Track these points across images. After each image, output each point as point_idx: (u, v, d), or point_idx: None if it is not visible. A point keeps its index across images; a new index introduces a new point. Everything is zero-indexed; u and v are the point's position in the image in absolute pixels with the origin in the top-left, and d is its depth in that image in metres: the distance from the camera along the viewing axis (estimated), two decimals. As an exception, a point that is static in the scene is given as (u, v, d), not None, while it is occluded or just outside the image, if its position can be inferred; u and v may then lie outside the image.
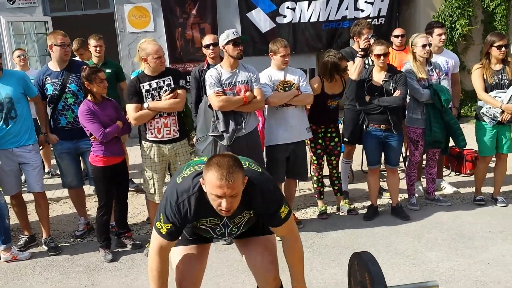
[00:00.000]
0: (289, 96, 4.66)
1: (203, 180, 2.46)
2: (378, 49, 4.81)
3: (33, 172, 4.74)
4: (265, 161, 4.88)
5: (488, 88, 5.07)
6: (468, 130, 5.20)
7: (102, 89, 4.43)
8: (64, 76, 4.80)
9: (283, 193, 5.05)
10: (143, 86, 4.42)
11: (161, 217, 2.60)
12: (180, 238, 2.78)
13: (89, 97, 4.43)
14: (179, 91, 4.46)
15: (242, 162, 2.54)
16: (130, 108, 4.40)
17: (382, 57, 4.81)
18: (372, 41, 5.06)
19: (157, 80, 4.44)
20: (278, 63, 4.72)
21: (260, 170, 2.67)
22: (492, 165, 5.71)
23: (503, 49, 4.99)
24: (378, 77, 4.89)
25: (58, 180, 6.81)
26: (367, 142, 5.05)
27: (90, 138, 4.43)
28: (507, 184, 5.69)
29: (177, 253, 2.87)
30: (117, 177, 4.56)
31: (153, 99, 4.42)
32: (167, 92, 4.41)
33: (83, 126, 4.42)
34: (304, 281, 2.89)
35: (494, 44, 5.00)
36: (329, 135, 5.04)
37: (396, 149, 5.01)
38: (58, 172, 7.08)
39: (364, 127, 4.99)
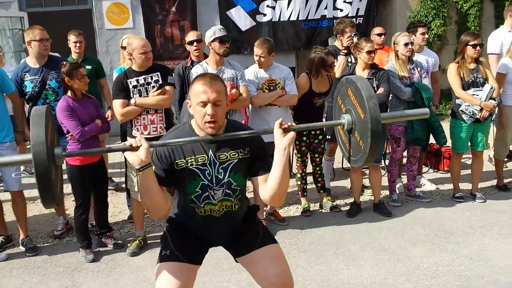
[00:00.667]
0: (273, 97, 4.65)
1: (189, 102, 2.54)
2: (369, 46, 4.82)
3: (10, 171, 4.60)
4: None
5: (465, 86, 5.15)
6: (444, 127, 5.27)
7: (83, 85, 4.32)
8: (44, 73, 4.69)
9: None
10: (130, 81, 4.34)
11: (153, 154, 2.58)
12: (168, 253, 2.66)
13: (69, 93, 4.31)
14: (167, 87, 4.39)
15: None
16: (117, 103, 4.32)
17: (372, 54, 4.84)
18: (355, 39, 5.08)
19: (144, 76, 4.36)
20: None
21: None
22: (468, 162, 5.83)
23: (478, 48, 5.08)
24: (362, 74, 4.91)
25: (34, 179, 6.69)
26: None
27: (66, 135, 4.31)
28: (483, 180, 5.79)
29: (162, 269, 2.64)
30: (95, 176, 4.46)
31: (140, 95, 4.35)
32: (155, 88, 4.35)
33: (60, 123, 4.28)
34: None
35: (469, 43, 5.09)
36: (313, 132, 5.04)
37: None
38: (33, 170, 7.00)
39: None
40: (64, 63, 4.36)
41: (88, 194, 4.49)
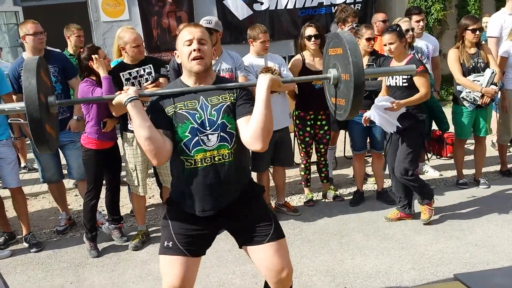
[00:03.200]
0: None
1: (176, 52, 2.62)
2: (368, 33, 4.76)
3: (7, 167, 4.56)
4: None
5: (465, 72, 5.10)
6: (446, 113, 5.23)
7: (108, 66, 4.31)
8: None
9: (273, 181, 5.02)
10: (123, 75, 4.32)
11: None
12: (171, 245, 2.60)
13: (92, 77, 4.27)
14: (161, 79, 4.36)
15: None
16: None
17: (372, 41, 4.78)
18: (355, 30, 5.01)
19: (137, 69, 4.34)
20: (257, 49, 4.65)
21: None
22: (471, 147, 5.80)
23: (477, 32, 5.02)
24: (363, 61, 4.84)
25: (35, 175, 6.66)
26: (352, 128, 5.00)
27: (102, 129, 4.29)
28: (487, 166, 5.76)
29: (167, 263, 2.61)
30: (109, 162, 4.47)
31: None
32: (149, 81, 4.31)
33: (84, 109, 4.31)
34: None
35: (468, 28, 5.03)
36: (318, 123, 4.97)
37: (381, 133, 4.99)
38: (35, 166, 6.96)
39: None
40: (82, 49, 4.35)
41: (100, 180, 4.47)
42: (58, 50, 5.61)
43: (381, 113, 4.24)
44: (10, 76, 4.71)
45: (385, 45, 4.39)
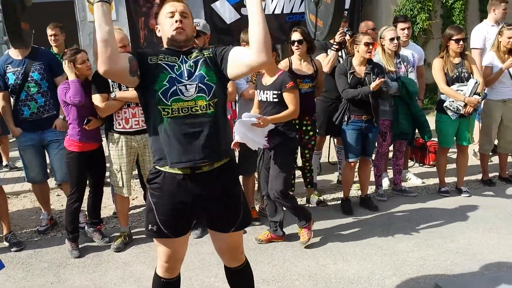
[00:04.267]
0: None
1: (157, 27, 2.67)
2: (366, 38, 4.73)
3: None
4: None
5: (449, 81, 5.17)
6: (429, 122, 5.31)
7: (86, 70, 4.29)
8: (27, 64, 4.59)
9: (256, 186, 5.03)
10: None
11: None
12: (155, 229, 2.68)
13: None
14: None
15: None
16: (97, 98, 4.27)
17: (370, 46, 4.76)
18: (347, 36, 5.04)
19: None
20: None
21: None
22: (454, 156, 5.87)
23: (461, 42, 5.09)
24: (359, 69, 4.84)
25: (17, 174, 6.60)
26: (348, 134, 4.91)
27: (84, 126, 4.24)
28: (468, 174, 5.84)
29: (156, 242, 2.79)
30: (93, 164, 4.43)
31: (120, 89, 4.30)
32: (136, 82, 4.30)
33: (62, 106, 4.30)
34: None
35: (453, 38, 5.10)
36: (304, 128, 4.98)
37: (373, 140, 5.01)
38: (16, 165, 6.89)
39: (346, 119, 4.88)
40: (66, 50, 4.34)
41: (83, 183, 4.44)
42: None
43: (245, 130, 3.89)
44: None
45: None
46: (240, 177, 4.54)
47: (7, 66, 4.61)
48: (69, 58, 4.21)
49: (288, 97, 4.15)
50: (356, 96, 4.73)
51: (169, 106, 2.51)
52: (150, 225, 2.70)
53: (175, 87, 2.52)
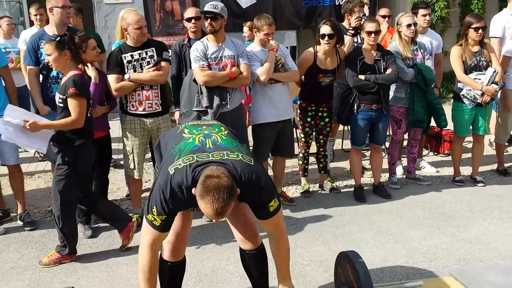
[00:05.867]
0: (272, 61, 4.48)
1: (195, 191, 2.41)
2: (369, 26, 4.73)
3: (6, 144, 4.50)
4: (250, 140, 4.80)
5: (467, 70, 5.09)
6: (445, 110, 5.24)
7: (96, 56, 4.27)
8: None
9: (272, 171, 5.01)
10: (124, 57, 4.30)
11: (154, 210, 2.55)
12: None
13: (81, 68, 4.19)
14: (162, 63, 4.36)
15: (235, 154, 2.56)
16: (111, 78, 4.28)
17: (373, 35, 4.74)
18: (363, 20, 4.99)
19: (139, 51, 4.32)
20: (261, 41, 4.61)
21: (252, 163, 2.61)
22: (469, 145, 5.81)
23: (480, 31, 5.01)
24: (370, 56, 4.82)
25: (31, 153, 6.64)
26: (357, 123, 4.92)
27: None
28: (484, 164, 5.77)
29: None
30: (100, 152, 4.42)
31: (134, 71, 4.30)
32: (151, 64, 4.29)
33: None
34: (290, 275, 2.92)
35: (472, 26, 5.03)
36: (320, 114, 4.96)
37: (384, 128, 4.99)
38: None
39: (355, 107, 4.88)
40: (74, 36, 4.25)
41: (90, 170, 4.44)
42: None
43: (14, 130, 3.71)
44: (28, 47, 4.63)
45: None
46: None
47: (41, 42, 4.57)
48: (79, 46, 4.11)
49: (70, 104, 3.76)
50: (362, 86, 4.73)
51: None
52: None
53: None
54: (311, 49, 4.87)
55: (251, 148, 4.76)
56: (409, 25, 4.97)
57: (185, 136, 2.79)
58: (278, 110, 4.64)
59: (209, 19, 4.35)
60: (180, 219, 2.84)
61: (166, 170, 2.57)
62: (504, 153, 5.81)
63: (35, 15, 5.84)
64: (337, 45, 4.81)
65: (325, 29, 4.67)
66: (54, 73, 4.57)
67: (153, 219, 2.56)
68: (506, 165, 5.76)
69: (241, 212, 2.92)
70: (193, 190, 2.43)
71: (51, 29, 4.63)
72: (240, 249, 3.03)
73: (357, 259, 2.85)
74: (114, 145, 6.35)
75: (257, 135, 4.72)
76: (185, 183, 2.48)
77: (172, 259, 2.88)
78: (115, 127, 6.88)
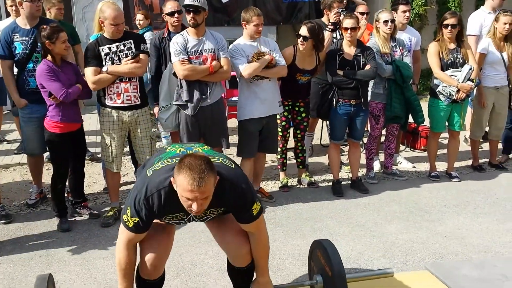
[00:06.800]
0: (262, 65, 4.48)
1: (174, 180, 2.41)
2: (346, 22, 4.78)
3: None
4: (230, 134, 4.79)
5: (444, 66, 5.17)
6: (422, 107, 5.32)
7: (64, 50, 4.20)
8: (35, 34, 4.50)
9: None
10: (102, 49, 4.25)
11: (128, 211, 2.54)
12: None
13: (48, 58, 4.18)
14: (141, 55, 4.32)
15: (215, 158, 2.59)
16: (89, 71, 4.23)
17: (349, 31, 4.77)
18: (342, 16, 5.01)
19: (117, 44, 4.28)
20: (250, 33, 4.57)
21: (233, 166, 2.65)
22: (445, 142, 5.89)
23: (450, 28, 5.08)
24: (349, 51, 4.86)
25: (7, 146, 6.55)
26: (336, 118, 4.97)
27: (49, 98, 4.18)
28: (459, 160, 5.86)
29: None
30: (74, 145, 4.37)
31: (112, 63, 4.25)
32: (129, 56, 4.26)
33: (39, 86, 4.17)
34: (268, 274, 2.93)
35: (444, 22, 5.10)
36: (296, 109, 4.98)
37: (362, 124, 5.03)
38: (6, 138, 6.83)
39: (334, 102, 4.91)
40: (45, 26, 4.19)
41: (66, 163, 4.40)
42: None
43: None
44: (1, 40, 4.54)
45: None
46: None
47: (14, 35, 4.50)
48: (49, 36, 4.07)
49: None
50: (340, 82, 4.77)
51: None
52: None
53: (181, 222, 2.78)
54: (291, 47, 4.89)
55: (236, 143, 4.77)
56: (385, 21, 5.02)
57: (167, 150, 2.85)
58: (263, 106, 4.61)
59: (191, 13, 4.32)
60: (159, 237, 2.75)
61: (144, 173, 2.62)
62: (479, 149, 5.91)
63: (11, 6, 5.73)
64: (315, 50, 4.80)
65: (302, 30, 4.71)
66: (30, 65, 4.51)
67: (126, 220, 2.55)
68: (480, 161, 5.86)
69: (228, 227, 2.84)
70: (171, 180, 2.42)
71: (22, 22, 4.58)
72: (230, 264, 2.96)
73: (327, 243, 2.94)
74: (91, 138, 6.32)
75: (245, 130, 4.70)
76: (161, 184, 2.48)
77: (149, 278, 2.77)
78: (92, 120, 6.84)
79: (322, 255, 2.93)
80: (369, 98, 5.10)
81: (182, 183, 2.32)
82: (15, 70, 4.64)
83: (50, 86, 4.11)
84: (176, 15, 4.81)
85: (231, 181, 2.53)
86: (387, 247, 3.97)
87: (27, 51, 4.51)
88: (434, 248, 3.93)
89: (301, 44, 4.71)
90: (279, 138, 5.11)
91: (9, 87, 4.63)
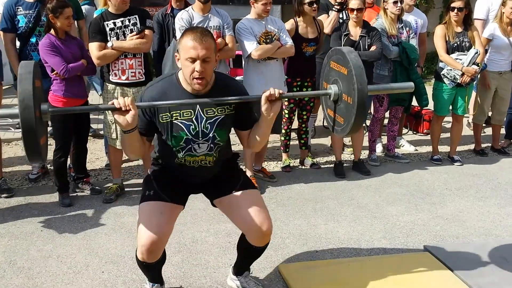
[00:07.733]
0: (273, 49, 4.46)
1: (177, 55, 2.49)
2: (352, 3, 4.72)
3: None
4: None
5: (449, 50, 5.13)
6: (426, 90, 5.29)
7: (67, 26, 4.16)
8: (39, 8, 4.45)
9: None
10: (107, 24, 4.20)
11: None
12: (152, 193, 2.72)
13: (52, 32, 4.14)
14: (146, 31, 4.27)
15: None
16: (93, 46, 4.18)
17: (355, 12, 4.73)
18: None
19: (122, 19, 4.23)
20: (259, 12, 4.49)
21: None
22: (448, 125, 5.88)
23: (456, 11, 5.03)
24: (355, 32, 4.82)
25: (9, 120, 6.53)
26: None
27: (51, 74, 4.17)
28: (461, 144, 5.86)
29: (145, 208, 2.68)
30: (78, 120, 4.35)
31: (117, 39, 4.21)
32: (134, 32, 4.22)
33: (43, 61, 4.14)
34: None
35: (451, 5, 5.06)
36: (304, 89, 4.94)
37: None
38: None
39: None
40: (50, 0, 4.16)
41: (68, 138, 4.38)
42: None
43: None
44: (4, 13, 4.50)
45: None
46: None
47: (17, 8, 4.46)
48: (53, 9, 4.04)
49: None
50: None
51: (182, 157, 2.67)
52: (147, 191, 2.75)
53: (190, 146, 2.63)
54: (291, 20, 4.85)
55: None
56: (395, 2, 4.97)
57: None
58: (269, 86, 4.54)
59: None
60: (158, 221, 2.61)
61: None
62: (481, 134, 5.90)
63: None
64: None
65: None
66: (33, 39, 4.47)
67: None
68: (483, 145, 5.85)
69: (245, 206, 2.73)
70: (175, 55, 2.51)
71: None
72: (247, 243, 2.82)
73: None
74: (94, 115, 6.31)
75: None
76: (165, 76, 2.64)
77: (147, 261, 2.68)
78: (94, 96, 6.81)
79: (343, 58, 2.52)
80: (373, 79, 5.07)
81: (185, 43, 2.41)
82: (18, 44, 4.60)
83: (50, 61, 4.08)
84: None
85: (229, 79, 2.75)
86: (388, 228, 3.98)
87: (30, 25, 4.46)
88: (435, 231, 3.94)
89: (314, 10, 4.71)
90: (284, 120, 5.10)
91: (11, 60, 4.59)
